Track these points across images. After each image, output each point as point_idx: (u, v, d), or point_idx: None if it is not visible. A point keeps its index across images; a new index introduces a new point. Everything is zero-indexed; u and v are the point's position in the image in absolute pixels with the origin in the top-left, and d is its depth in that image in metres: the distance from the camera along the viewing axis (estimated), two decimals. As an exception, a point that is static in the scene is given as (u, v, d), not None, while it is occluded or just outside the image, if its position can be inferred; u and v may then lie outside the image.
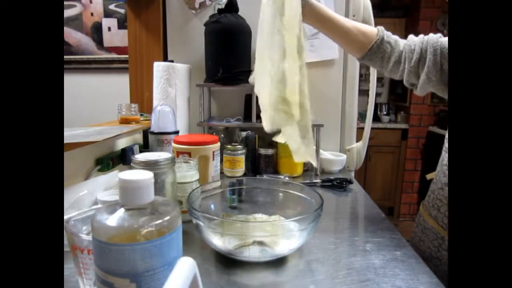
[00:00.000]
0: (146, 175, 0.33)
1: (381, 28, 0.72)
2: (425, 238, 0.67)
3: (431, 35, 0.68)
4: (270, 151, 1.02)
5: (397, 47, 0.71)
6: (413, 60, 0.67)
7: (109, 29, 2.17)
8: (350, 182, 0.94)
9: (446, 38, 0.66)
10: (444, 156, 0.66)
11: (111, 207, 0.33)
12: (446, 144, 0.66)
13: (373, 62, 0.74)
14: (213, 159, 0.75)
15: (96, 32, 2.18)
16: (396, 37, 0.73)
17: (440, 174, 0.66)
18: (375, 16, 1.13)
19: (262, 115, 0.66)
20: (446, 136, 0.67)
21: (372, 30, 0.72)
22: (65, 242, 0.38)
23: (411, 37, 0.71)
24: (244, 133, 1.04)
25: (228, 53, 0.99)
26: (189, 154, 0.71)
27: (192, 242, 0.59)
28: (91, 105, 2.10)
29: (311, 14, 0.72)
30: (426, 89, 0.68)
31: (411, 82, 0.70)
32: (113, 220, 0.32)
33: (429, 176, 0.73)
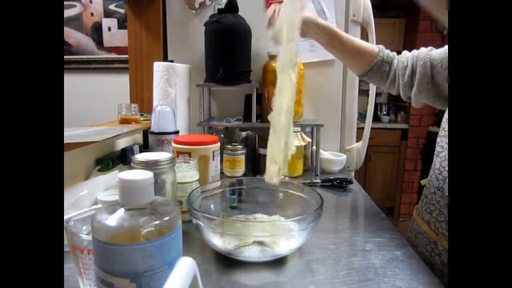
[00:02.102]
0: (146, 175, 0.33)
1: (381, 47, 0.74)
2: (418, 243, 0.67)
3: (422, 49, 0.70)
4: (270, 151, 1.02)
5: (393, 65, 0.74)
6: (406, 76, 0.70)
7: (109, 29, 2.18)
8: (350, 182, 0.94)
9: (437, 51, 0.68)
10: (436, 161, 0.66)
11: (111, 207, 0.33)
12: (437, 148, 0.66)
13: (372, 80, 0.77)
14: (213, 159, 0.75)
15: (96, 32, 2.18)
16: (394, 54, 0.75)
17: (432, 178, 0.66)
18: (375, 16, 1.13)
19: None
20: (437, 141, 0.67)
21: (373, 50, 0.74)
22: (65, 242, 0.38)
23: (404, 53, 0.74)
24: (244, 133, 1.04)
25: (228, 53, 0.99)
26: (189, 154, 0.71)
27: (192, 242, 0.59)
28: (91, 105, 2.10)
29: (317, 31, 0.73)
30: (419, 100, 0.71)
31: (408, 96, 0.73)
32: (113, 220, 0.32)
33: (423, 182, 0.73)
